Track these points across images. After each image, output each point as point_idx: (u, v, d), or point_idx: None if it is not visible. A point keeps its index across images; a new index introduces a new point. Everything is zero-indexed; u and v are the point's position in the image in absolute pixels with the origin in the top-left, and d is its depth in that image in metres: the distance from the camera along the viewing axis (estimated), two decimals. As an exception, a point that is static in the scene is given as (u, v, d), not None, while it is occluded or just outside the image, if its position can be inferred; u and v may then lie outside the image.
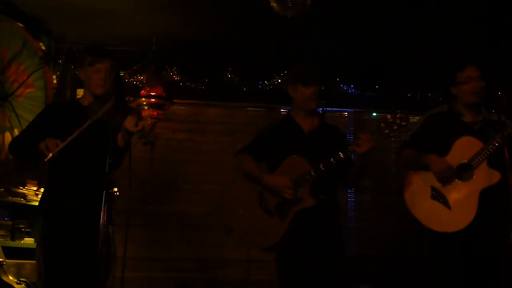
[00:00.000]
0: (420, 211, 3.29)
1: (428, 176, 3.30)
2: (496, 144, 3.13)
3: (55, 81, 5.22)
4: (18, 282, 4.10)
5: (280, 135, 3.31)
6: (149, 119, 5.08)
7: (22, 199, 4.52)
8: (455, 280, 3.16)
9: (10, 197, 4.45)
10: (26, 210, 4.62)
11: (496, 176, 3.13)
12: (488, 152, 3.15)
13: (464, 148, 3.22)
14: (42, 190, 4.64)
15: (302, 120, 3.31)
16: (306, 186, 3.11)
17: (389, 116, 3.03)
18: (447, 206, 3.21)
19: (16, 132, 4.57)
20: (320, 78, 3.27)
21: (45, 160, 2.87)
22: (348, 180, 3.31)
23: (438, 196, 3.25)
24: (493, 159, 3.15)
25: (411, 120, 3.26)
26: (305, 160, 3.15)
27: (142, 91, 5.22)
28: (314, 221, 3.13)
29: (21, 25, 4.82)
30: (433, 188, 3.28)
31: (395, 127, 3.00)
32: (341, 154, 3.06)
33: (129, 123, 2.90)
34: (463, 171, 3.22)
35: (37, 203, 4.53)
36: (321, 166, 3.08)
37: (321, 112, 3.39)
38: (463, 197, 3.18)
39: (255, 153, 3.32)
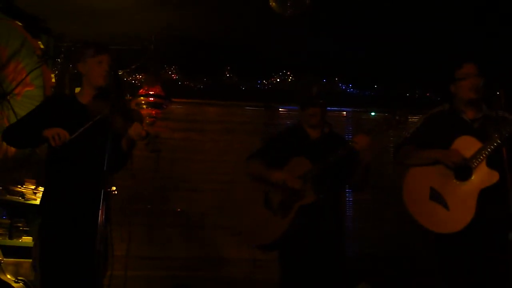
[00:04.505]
0: (419, 213, 3.25)
1: (427, 177, 3.28)
2: (495, 144, 3.10)
3: (53, 80, 5.21)
4: (16, 280, 4.09)
5: (289, 143, 3.49)
6: (147, 118, 5.07)
7: (20, 198, 4.52)
8: (456, 280, 3.14)
9: (8, 196, 4.44)
10: (24, 208, 4.61)
11: (495, 176, 3.10)
12: (486, 152, 3.13)
13: (463, 148, 3.20)
14: (40, 189, 4.64)
15: (310, 130, 3.50)
16: (308, 183, 3.25)
17: (387, 114, 3.16)
18: (445, 207, 3.18)
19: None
20: (317, 99, 3.44)
21: (54, 145, 2.88)
22: (352, 182, 3.44)
23: (437, 197, 3.23)
24: (492, 159, 3.12)
25: (410, 119, 3.30)
26: (307, 161, 3.30)
27: (141, 90, 5.22)
28: (315, 219, 3.24)
29: (20, 23, 4.82)
30: (431, 189, 3.25)
31: (393, 124, 3.14)
32: (340, 151, 3.20)
33: (134, 131, 2.92)
34: (462, 171, 3.20)
35: (35, 202, 4.56)
36: (322, 163, 3.23)
37: (330, 124, 3.57)
38: (461, 198, 3.15)
39: (266, 159, 3.46)
